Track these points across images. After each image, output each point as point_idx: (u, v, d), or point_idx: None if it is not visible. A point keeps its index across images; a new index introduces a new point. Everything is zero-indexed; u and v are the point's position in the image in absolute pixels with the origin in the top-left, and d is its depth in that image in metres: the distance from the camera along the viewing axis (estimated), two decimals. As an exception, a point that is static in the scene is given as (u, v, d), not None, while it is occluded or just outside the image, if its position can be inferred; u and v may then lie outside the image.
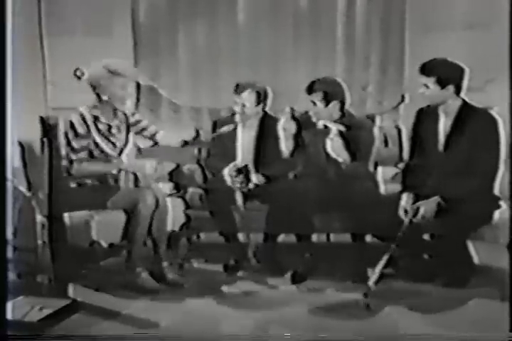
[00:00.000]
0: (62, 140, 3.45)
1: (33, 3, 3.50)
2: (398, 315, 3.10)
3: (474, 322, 2.98)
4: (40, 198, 3.35)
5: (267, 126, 3.69)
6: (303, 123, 3.65)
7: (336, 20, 3.68)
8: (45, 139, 3.39)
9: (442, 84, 3.33)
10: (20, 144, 3.36)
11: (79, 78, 3.65)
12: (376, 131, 3.59)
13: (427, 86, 3.35)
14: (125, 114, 3.57)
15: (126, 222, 3.44)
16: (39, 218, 3.35)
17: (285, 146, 3.62)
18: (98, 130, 3.49)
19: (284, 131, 3.62)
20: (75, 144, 3.47)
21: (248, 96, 3.63)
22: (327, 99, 3.56)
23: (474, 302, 3.18)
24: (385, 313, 3.13)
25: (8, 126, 3.24)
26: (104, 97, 3.49)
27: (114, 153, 3.53)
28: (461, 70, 3.34)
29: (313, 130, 3.62)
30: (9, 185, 3.30)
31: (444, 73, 3.33)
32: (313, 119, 3.62)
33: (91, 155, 3.49)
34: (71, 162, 3.48)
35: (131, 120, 3.59)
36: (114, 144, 3.53)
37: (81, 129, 3.48)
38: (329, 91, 3.56)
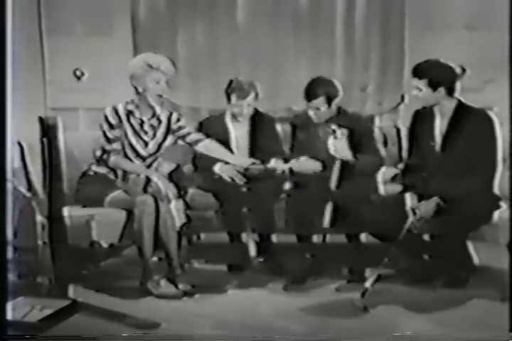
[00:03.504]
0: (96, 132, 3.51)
1: (32, 3, 3.49)
2: (397, 315, 3.10)
3: (474, 323, 2.98)
4: (41, 199, 3.35)
5: (259, 123, 3.70)
6: (301, 123, 3.67)
7: (336, 21, 3.68)
8: (44, 139, 3.39)
9: (434, 86, 3.32)
10: (20, 144, 3.36)
11: (78, 78, 3.65)
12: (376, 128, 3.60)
13: (419, 88, 3.35)
14: (169, 119, 3.58)
15: (125, 221, 3.44)
16: (39, 218, 3.35)
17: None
18: (129, 123, 3.49)
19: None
20: (109, 135, 3.49)
21: (251, 99, 3.64)
22: (329, 101, 3.56)
23: (474, 302, 3.19)
24: (384, 313, 3.13)
25: (9, 127, 3.23)
26: (140, 89, 3.49)
27: (145, 153, 3.54)
28: (453, 71, 3.33)
29: (314, 130, 3.63)
30: (9, 185, 3.29)
31: (436, 75, 3.32)
32: (315, 120, 3.63)
33: (124, 147, 3.52)
34: (104, 152, 3.51)
35: (174, 126, 3.60)
36: (146, 143, 3.53)
37: (113, 120, 3.49)
38: (330, 93, 3.55)
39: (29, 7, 3.47)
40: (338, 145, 3.55)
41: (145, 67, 3.44)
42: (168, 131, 3.59)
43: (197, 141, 3.63)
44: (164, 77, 3.46)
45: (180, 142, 3.64)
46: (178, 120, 3.62)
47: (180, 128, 3.61)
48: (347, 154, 3.55)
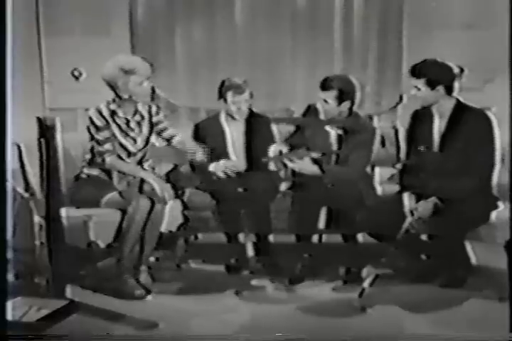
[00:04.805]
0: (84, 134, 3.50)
1: (31, 4, 3.50)
2: (395, 315, 3.10)
3: (472, 323, 2.98)
4: (38, 199, 3.36)
5: (255, 124, 3.69)
6: (307, 120, 3.66)
7: (334, 21, 3.68)
8: (42, 140, 3.39)
9: (432, 85, 3.32)
10: (17, 145, 3.36)
11: (77, 78, 3.65)
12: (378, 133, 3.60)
13: (418, 88, 3.35)
14: (150, 113, 3.58)
15: (120, 222, 3.45)
16: (37, 219, 3.35)
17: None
18: (116, 123, 3.50)
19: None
20: (98, 137, 3.49)
21: (248, 95, 3.63)
22: (340, 98, 3.54)
23: (472, 302, 3.19)
24: (382, 313, 3.13)
25: (9, 127, 3.24)
26: (125, 96, 3.49)
27: (135, 149, 3.54)
28: (451, 70, 3.33)
29: (319, 127, 3.62)
30: (9, 186, 3.30)
31: (434, 74, 3.33)
32: (321, 116, 3.61)
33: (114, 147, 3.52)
34: (94, 155, 3.50)
35: (154, 119, 3.59)
36: (134, 140, 3.53)
37: (99, 122, 3.48)
38: (344, 89, 3.53)
39: (28, 8, 3.48)
40: (303, 165, 3.57)
41: (115, 70, 3.43)
42: (152, 124, 3.59)
43: (172, 137, 3.61)
44: (138, 78, 3.45)
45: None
46: (158, 113, 3.61)
47: (158, 122, 3.60)
48: (314, 170, 3.56)
